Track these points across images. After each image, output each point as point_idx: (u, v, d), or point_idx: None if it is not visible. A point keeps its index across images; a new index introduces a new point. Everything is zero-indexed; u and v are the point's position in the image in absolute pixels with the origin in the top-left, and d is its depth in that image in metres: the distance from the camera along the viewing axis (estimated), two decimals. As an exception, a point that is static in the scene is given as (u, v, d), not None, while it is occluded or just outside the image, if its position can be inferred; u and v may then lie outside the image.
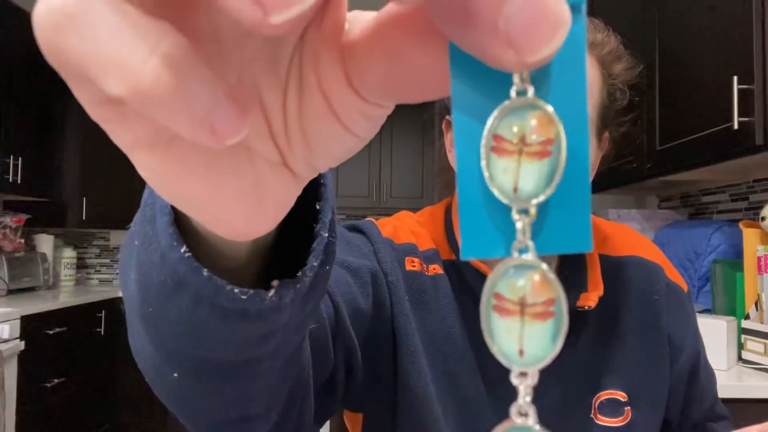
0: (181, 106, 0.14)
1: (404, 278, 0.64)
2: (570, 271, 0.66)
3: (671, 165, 1.57)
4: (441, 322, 0.63)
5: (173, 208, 0.23)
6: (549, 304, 0.15)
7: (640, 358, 0.66)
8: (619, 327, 0.66)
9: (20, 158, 2.98)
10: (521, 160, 0.15)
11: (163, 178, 0.18)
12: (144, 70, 0.13)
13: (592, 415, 0.64)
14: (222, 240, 0.23)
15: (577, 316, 0.65)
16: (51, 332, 2.73)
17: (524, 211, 0.15)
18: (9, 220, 3.10)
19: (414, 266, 0.65)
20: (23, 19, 3.07)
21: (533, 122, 0.15)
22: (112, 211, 3.60)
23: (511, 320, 0.15)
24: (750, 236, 1.45)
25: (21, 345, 2.45)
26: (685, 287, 0.72)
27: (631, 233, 0.75)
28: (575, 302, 0.63)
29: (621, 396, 0.65)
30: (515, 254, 0.16)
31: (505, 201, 0.15)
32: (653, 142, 1.66)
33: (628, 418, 0.64)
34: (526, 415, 0.16)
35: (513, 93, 0.15)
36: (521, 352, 0.15)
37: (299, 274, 0.26)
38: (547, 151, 0.15)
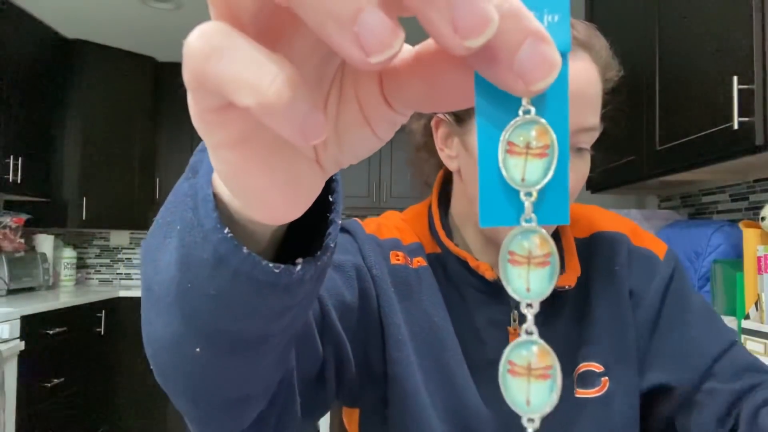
0: (288, 115, 0.19)
1: (389, 271, 0.66)
2: None
3: (671, 165, 1.57)
4: (426, 312, 0.65)
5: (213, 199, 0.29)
6: (547, 255, 0.22)
7: (609, 328, 0.67)
8: (590, 302, 0.68)
9: (20, 158, 2.98)
10: (527, 159, 0.22)
11: (235, 169, 0.24)
12: (271, 88, 0.19)
13: (572, 390, 0.66)
14: (253, 226, 0.28)
15: (556, 297, 0.67)
16: (51, 332, 2.73)
17: (528, 194, 0.22)
18: (9, 220, 3.10)
19: (398, 260, 0.68)
20: (24, 20, 3.07)
21: (535, 133, 0.22)
22: (112, 211, 3.60)
23: (521, 268, 0.22)
24: (750, 236, 1.45)
25: (21, 345, 2.45)
26: (658, 251, 0.71)
27: (598, 211, 0.76)
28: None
29: (596, 367, 0.66)
30: (523, 223, 0.22)
31: (515, 187, 0.22)
32: (653, 142, 1.66)
33: (605, 389, 0.66)
34: (531, 333, 0.22)
35: (521, 111, 0.22)
36: (528, 290, 0.22)
37: (318, 253, 0.30)
38: (545, 153, 0.21)
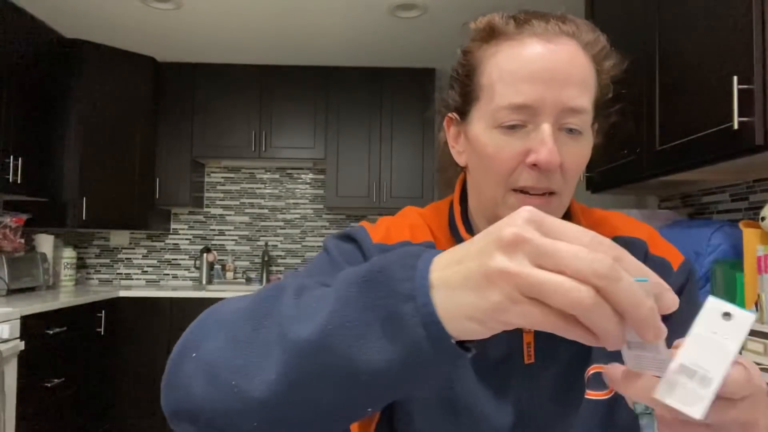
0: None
1: None
2: None
3: (671, 165, 1.57)
4: None
5: None
6: None
7: None
8: None
9: (20, 158, 2.98)
10: None
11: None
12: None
13: (583, 391, 0.67)
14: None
15: None
16: (51, 332, 2.73)
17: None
18: (9, 220, 3.10)
19: None
20: (23, 19, 3.07)
21: None
22: (112, 211, 3.60)
23: None
24: (750, 236, 1.45)
25: (21, 345, 2.45)
26: (673, 260, 0.73)
27: (620, 217, 0.77)
28: None
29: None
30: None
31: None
32: (653, 142, 1.66)
33: (614, 392, 0.66)
34: None
35: None
36: None
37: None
38: None
